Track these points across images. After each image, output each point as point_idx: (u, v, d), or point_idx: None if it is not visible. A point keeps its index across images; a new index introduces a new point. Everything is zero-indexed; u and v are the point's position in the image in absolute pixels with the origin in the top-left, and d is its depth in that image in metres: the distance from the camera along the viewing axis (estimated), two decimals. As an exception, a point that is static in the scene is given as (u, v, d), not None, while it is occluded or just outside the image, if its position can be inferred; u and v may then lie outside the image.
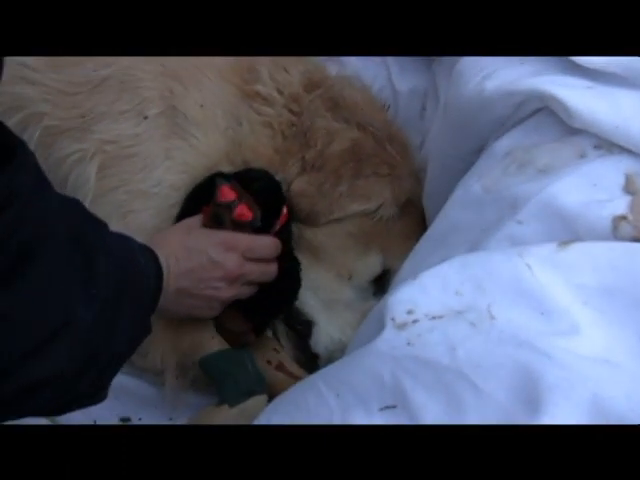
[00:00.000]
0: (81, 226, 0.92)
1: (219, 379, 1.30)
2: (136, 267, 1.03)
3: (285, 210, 1.34)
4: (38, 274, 0.81)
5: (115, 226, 1.28)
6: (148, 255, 1.10)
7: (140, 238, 1.28)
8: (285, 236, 1.35)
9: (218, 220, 1.28)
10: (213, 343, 1.32)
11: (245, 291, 1.30)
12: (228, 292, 1.27)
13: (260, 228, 1.30)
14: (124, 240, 1.06)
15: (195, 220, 1.29)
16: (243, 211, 1.28)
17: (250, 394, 1.27)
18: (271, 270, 1.31)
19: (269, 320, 1.40)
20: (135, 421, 1.37)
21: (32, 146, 1.35)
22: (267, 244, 1.30)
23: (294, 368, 1.38)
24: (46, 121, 1.35)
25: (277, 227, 1.33)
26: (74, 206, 0.97)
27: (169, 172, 1.33)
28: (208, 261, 1.23)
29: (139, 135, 1.34)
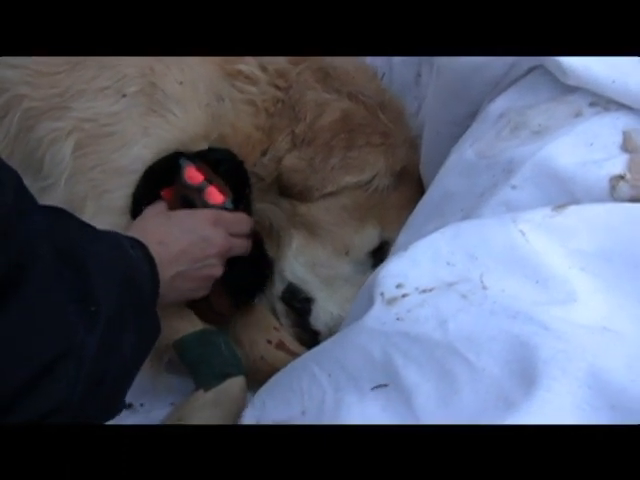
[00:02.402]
0: (69, 238, 0.87)
1: (193, 363, 1.26)
2: (130, 266, 0.98)
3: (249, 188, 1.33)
4: (24, 304, 0.75)
5: (90, 206, 1.27)
6: (138, 248, 1.05)
7: (115, 218, 1.28)
8: (249, 212, 1.34)
9: (187, 203, 1.25)
10: (185, 324, 1.29)
11: (224, 267, 1.28)
12: (220, 269, 1.25)
13: (230, 210, 1.28)
14: (114, 239, 1.00)
15: (161, 206, 1.26)
16: (215, 194, 1.26)
17: (225, 376, 1.23)
18: (248, 244, 1.31)
19: (254, 298, 1.39)
20: (137, 407, 1.35)
21: (14, 130, 1.33)
22: (245, 220, 1.30)
23: (295, 346, 1.36)
24: (26, 103, 1.31)
25: (243, 207, 1.32)
26: (59, 217, 0.92)
27: (146, 149, 1.29)
28: (199, 239, 1.20)
29: (118, 113, 1.29)
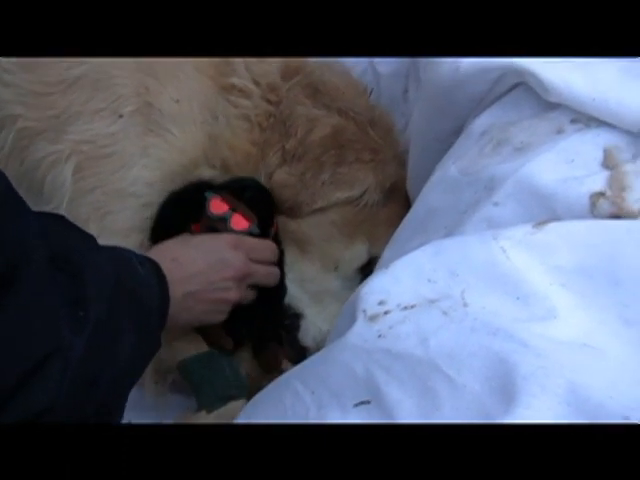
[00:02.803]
0: (65, 244, 0.88)
1: (196, 384, 1.27)
2: (134, 280, 0.99)
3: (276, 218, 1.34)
4: (18, 303, 0.76)
5: (94, 228, 1.27)
6: (148, 265, 1.06)
7: (120, 239, 1.28)
8: (277, 237, 1.35)
9: (215, 232, 1.27)
10: (190, 346, 1.29)
11: (249, 295, 1.28)
12: (236, 294, 1.24)
13: (257, 236, 1.29)
14: (118, 253, 1.02)
15: (187, 235, 1.28)
16: (239, 221, 1.27)
17: (227, 399, 1.24)
18: (275, 272, 1.31)
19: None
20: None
21: (7, 149, 1.34)
22: (268, 246, 1.30)
23: (283, 363, 1.35)
24: (20, 123, 1.32)
25: (272, 235, 1.32)
26: (57, 223, 0.93)
27: (146, 170, 1.30)
28: (217, 260, 1.20)
29: (115, 134, 1.30)
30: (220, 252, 1.21)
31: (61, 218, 0.96)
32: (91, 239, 0.97)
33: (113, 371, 0.91)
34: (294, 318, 1.38)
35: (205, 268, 1.19)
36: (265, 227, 1.31)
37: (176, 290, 1.11)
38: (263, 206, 1.32)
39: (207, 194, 1.28)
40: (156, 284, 1.06)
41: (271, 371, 1.34)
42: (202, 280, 1.18)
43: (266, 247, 1.30)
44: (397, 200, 1.40)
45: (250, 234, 1.28)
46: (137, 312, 0.97)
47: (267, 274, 1.29)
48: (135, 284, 0.99)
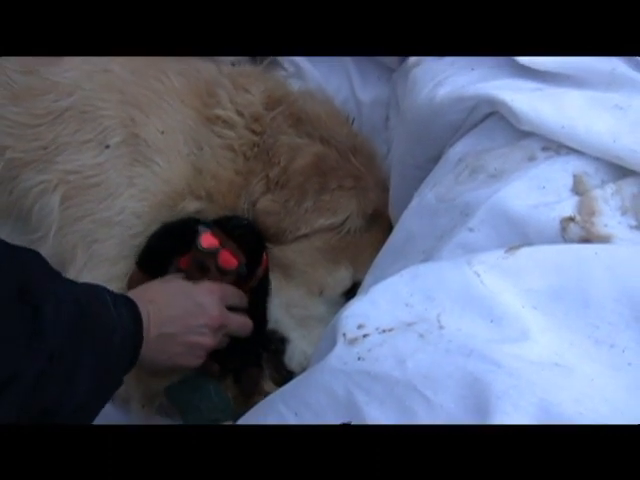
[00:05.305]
0: (30, 277, 0.90)
1: (183, 408, 1.30)
2: (101, 316, 1.01)
3: (265, 256, 1.36)
4: None
5: (81, 256, 1.30)
6: (124, 304, 1.08)
7: (107, 268, 1.31)
8: (262, 292, 1.37)
9: (202, 267, 1.29)
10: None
11: (223, 342, 1.31)
12: (212, 340, 1.26)
13: (244, 275, 1.31)
14: (90, 290, 1.03)
15: (171, 276, 1.30)
16: (228, 258, 1.29)
17: (213, 422, 1.27)
18: (248, 324, 1.34)
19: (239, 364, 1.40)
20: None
21: (-3, 179, 1.37)
22: (235, 292, 1.32)
23: (269, 387, 1.38)
24: (9, 154, 1.35)
25: (260, 274, 1.35)
26: (25, 258, 0.94)
27: (132, 200, 1.33)
28: (194, 305, 1.23)
29: (102, 164, 1.33)
30: (197, 298, 1.24)
31: (32, 252, 0.98)
32: (57, 276, 0.99)
33: (71, 402, 0.92)
34: (279, 342, 1.41)
35: (182, 312, 1.21)
36: (253, 266, 1.34)
37: (151, 330, 1.13)
38: (253, 245, 1.34)
39: (199, 228, 1.30)
40: (131, 323, 1.08)
41: (250, 396, 1.36)
42: (178, 323, 1.20)
43: (237, 294, 1.32)
44: (380, 225, 1.43)
45: (238, 273, 1.30)
46: (101, 349, 0.98)
47: (241, 325, 1.32)
48: (103, 321, 1.01)
